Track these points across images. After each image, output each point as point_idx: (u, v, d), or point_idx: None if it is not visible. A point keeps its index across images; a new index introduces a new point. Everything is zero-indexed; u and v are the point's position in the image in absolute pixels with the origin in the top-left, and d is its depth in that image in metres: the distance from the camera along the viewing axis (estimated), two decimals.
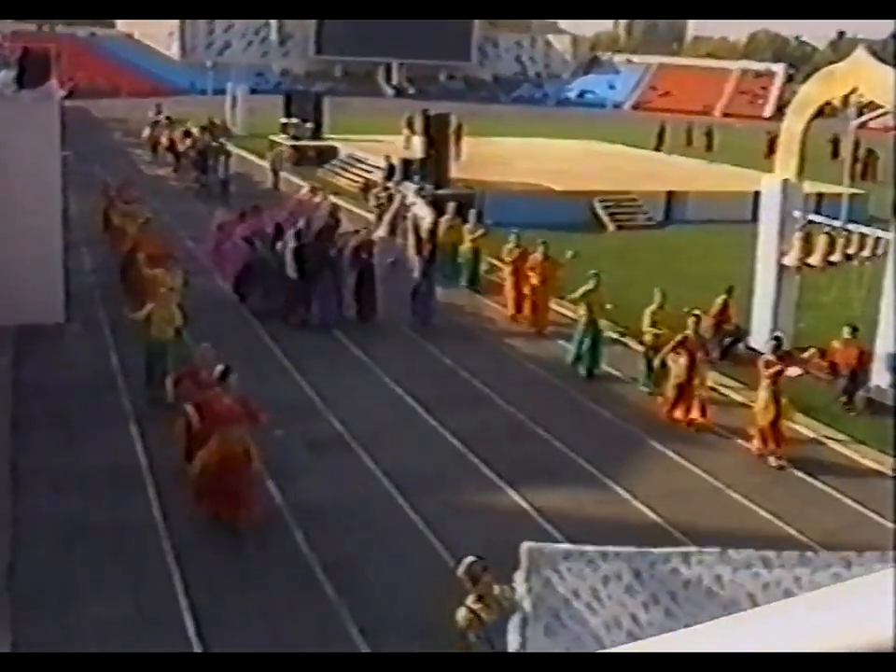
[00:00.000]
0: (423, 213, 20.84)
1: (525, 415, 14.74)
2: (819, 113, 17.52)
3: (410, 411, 14.90)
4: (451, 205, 23.71)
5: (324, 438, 13.51)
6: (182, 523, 11.04)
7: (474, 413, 14.79)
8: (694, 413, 14.75)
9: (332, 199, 24.94)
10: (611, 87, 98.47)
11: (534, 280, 19.28)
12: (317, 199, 23.55)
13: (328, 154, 40.48)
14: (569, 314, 19.00)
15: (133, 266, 18.52)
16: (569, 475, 12.83)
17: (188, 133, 38.03)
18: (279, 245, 19.18)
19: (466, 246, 22.60)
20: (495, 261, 21.93)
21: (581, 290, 17.02)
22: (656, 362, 15.53)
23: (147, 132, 42.45)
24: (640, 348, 16.54)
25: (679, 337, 14.86)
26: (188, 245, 24.20)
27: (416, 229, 20.08)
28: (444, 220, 22.59)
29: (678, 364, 14.86)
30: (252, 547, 9.99)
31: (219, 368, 11.30)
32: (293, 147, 40.90)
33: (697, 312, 15.39)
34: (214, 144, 35.51)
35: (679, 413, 14.82)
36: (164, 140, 40.19)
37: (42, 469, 12.25)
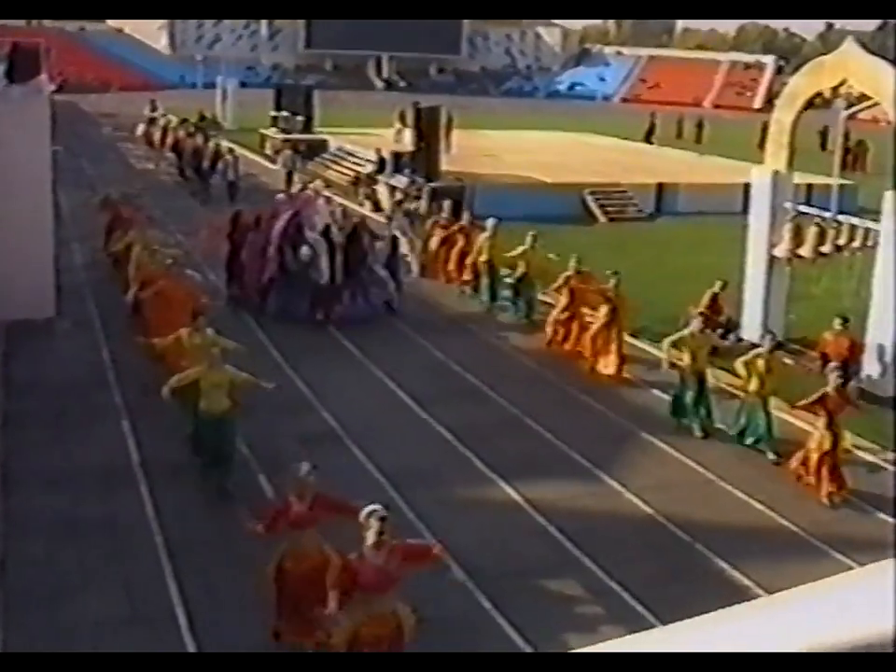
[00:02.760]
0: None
1: (518, 409, 14.70)
2: (809, 104, 17.50)
3: (402, 405, 14.85)
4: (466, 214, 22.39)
5: (316, 432, 13.47)
6: (175, 519, 10.99)
7: (467, 408, 14.74)
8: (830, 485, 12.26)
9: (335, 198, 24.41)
10: (601, 79, 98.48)
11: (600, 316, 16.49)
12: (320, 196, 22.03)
13: (318, 147, 40.41)
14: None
15: (151, 310, 15.56)
16: (563, 468, 12.80)
17: (190, 133, 36.76)
18: (303, 246, 18.84)
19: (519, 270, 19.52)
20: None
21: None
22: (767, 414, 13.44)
23: (141, 128, 41.90)
24: (738, 393, 14.14)
25: (817, 395, 12.50)
26: (179, 239, 24.10)
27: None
28: (484, 238, 20.32)
29: (816, 429, 12.54)
30: (245, 543, 9.90)
31: (305, 468, 8.96)
32: (283, 140, 40.82)
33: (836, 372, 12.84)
34: (213, 144, 34.05)
35: (818, 482, 12.34)
36: (158, 137, 39.61)
37: (33, 466, 12.18)
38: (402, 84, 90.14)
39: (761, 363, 13.29)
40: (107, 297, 19.01)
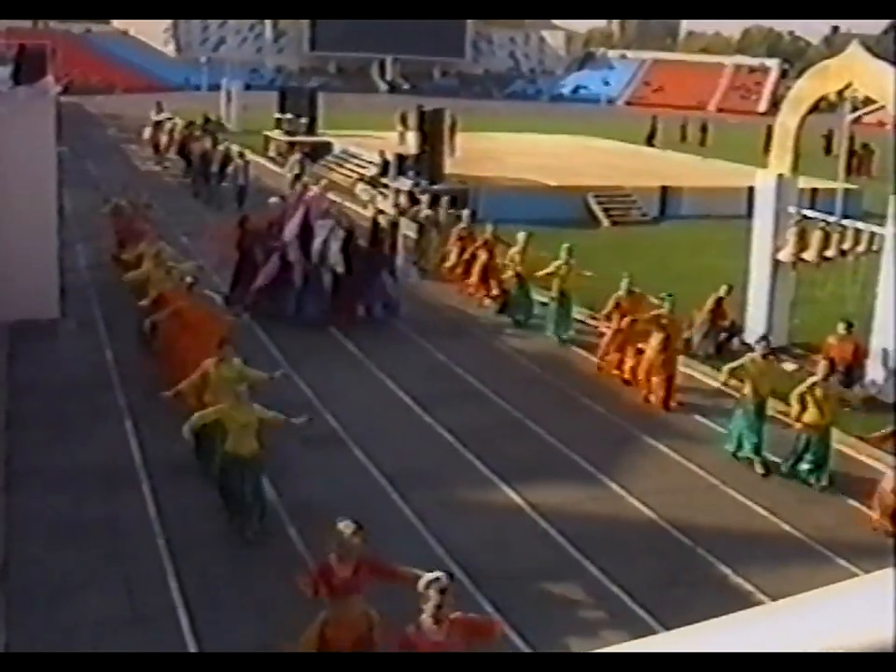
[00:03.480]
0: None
1: (520, 412, 14.69)
2: (814, 108, 17.48)
3: (404, 407, 14.85)
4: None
5: (318, 434, 13.43)
6: (177, 520, 10.98)
7: (469, 410, 14.73)
8: None
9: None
10: (605, 82, 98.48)
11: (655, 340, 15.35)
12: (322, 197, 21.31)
13: (322, 150, 40.42)
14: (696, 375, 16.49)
15: (168, 335, 14.50)
16: (565, 472, 12.78)
17: (198, 137, 36.17)
18: (315, 248, 18.76)
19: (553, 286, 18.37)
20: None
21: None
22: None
23: (147, 131, 41.34)
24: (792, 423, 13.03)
25: (890, 430, 12.01)
26: (182, 241, 24.11)
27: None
28: (514, 252, 19.38)
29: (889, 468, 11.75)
30: (246, 544, 9.93)
31: (349, 527, 7.86)
32: (288, 142, 40.83)
33: None
34: (224, 148, 33.51)
35: None
36: (165, 140, 39.22)
37: (36, 467, 12.17)
38: (406, 87, 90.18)
39: (818, 392, 12.49)
40: (111, 298, 19.01)
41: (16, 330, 17.04)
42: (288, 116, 42.96)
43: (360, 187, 31.91)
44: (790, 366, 14.77)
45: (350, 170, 36.57)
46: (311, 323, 18.24)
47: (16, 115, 17.33)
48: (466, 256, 21.23)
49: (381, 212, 21.77)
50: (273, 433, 11.00)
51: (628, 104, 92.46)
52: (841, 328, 15.35)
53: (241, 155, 31.68)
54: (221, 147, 33.60)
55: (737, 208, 28.19)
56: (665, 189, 33.14)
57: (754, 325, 17.69)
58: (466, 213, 22.53)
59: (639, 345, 15.72)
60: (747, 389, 13.19)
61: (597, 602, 9.85)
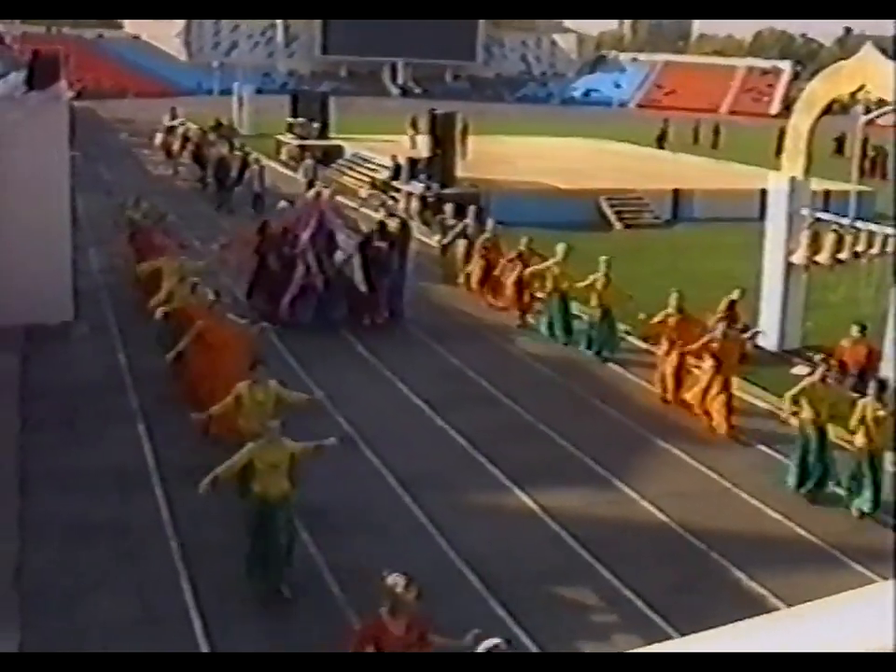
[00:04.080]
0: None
1: (533, 415, 14.68)
2: (827, 110, 17.44)
3: (416, 410, 14.87)
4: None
5: (330, 437, 13.44)
6: (190, 523, 11.00)
7: (481, 413, 14.73)
8: None
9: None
10: (617, 85, 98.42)
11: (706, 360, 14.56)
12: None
13: (334, 153, 40.48)
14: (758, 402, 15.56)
15: (195, 357, 13.71)
16: (577, 475, 12.77)
17: (213, 142, 35.92)
18: (338, 259, 18.81)
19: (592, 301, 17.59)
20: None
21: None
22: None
23: (160, 137, 41.10)
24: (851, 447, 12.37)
25: None
26: (195, 246, 24.15)
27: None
28: (552, 264, 18.32)
29: None
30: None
31: (401, 582, 7.42)
32: (299, 146, 40.88)
33: None
34: (240, 153, 33.27)
35: None
36: (178, 146, 38.99)
37: (49, 470, 12.22)
38: (418, 90, 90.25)
39: (869, 412, 11.84)
40: (124, 301, 19.06)
41: (29, 333, 17.11)
42: (300, 120, 43.06)
43: (366, 191, 31.78)
44: (802, 369, 14.71)
45: (361, 174, 36.61)
46: (333, 328, 18.30)
47: (29, 120, 17.43)
48: (497, 271, 20.24)
49: (391, 215, 21.65)
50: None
51: (640, 106, 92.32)
52: (854, 331, 15.26)
53: (257, 161, 31.47)
54: (238, 153, 33.42)
55: (750, 211, 28.13)
56: (677, 192, 33.11)
57: (767, 328, 17.64)
58: (491, 222, 21.45)
59: (693, 369, 15.15)
60: (805, 414, 12.50)
61: (610, 607, 9.83)
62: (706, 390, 14.39)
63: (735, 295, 17.47)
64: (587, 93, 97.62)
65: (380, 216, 25.53)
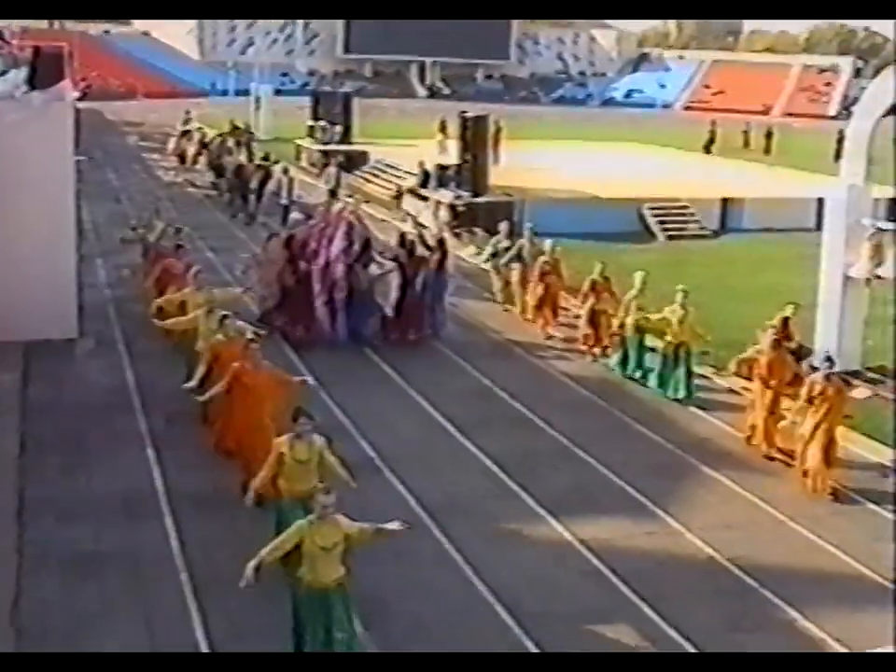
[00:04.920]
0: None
1: (569, 438, 14.68)
2: (891, 111, 17.37)
3: (444, 432, 14.90)
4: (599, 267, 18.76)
5: (352, 461, 13.45)
6: (201, 554, 11.04)
7: (513, 436, 14.73)
8: None
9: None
10: (661, 85, 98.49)
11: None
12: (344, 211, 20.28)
13: (357, 159, 40.66)
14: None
15: (228, 404, 12.83)
16: (617, 504, 12.74)
17: (231, 149, 35.31)
18: (372, 267, 18.95)
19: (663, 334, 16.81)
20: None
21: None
22: None
23: (173, 142, 41.16)
24: None
25: None
26: (208, 256, 24.33)
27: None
28: (630, 296, 17.53)
29: None
30: (274, 580, 9.93)
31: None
32: (321, 151, 41.07)
33: None
34: (264, 162, 32.81)
35: None
36: (193, 152, 38.86)
37: (51, 495, 12.28)
38: (447, 91, 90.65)
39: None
40: (133, 316, 19.19)
41: (31, 350, 17.24)
42: (322, 123, 43.27)
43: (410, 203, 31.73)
44: (863, 392, 14.65)
45: (387, 181, 36.76)
46: (359, 345, 18.46)
47: (31, 122, 17.54)
48: (560, 299, 20.04)
49: (423, 226, 21.70)
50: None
51: (686, 108, 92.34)
52: None
53: (285, 171, 30.88)
54: (260, 161, 33.07)
55: (805, 220, 28.13)
56: (725, 201, 33.08)
57: (823, 347, 17.56)
58: (549, 242, 20.35)
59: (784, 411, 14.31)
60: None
61: (651, 646, 9.78)
62: (806, 441, 13.35)
63: (788, 311, 17.39)
64: (629, 94, 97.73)
65: (409, 227, 25.61)
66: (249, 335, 13.12)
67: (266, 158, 33.83)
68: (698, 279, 23.16)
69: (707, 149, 51.94)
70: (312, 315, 18.75)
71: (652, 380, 17.04)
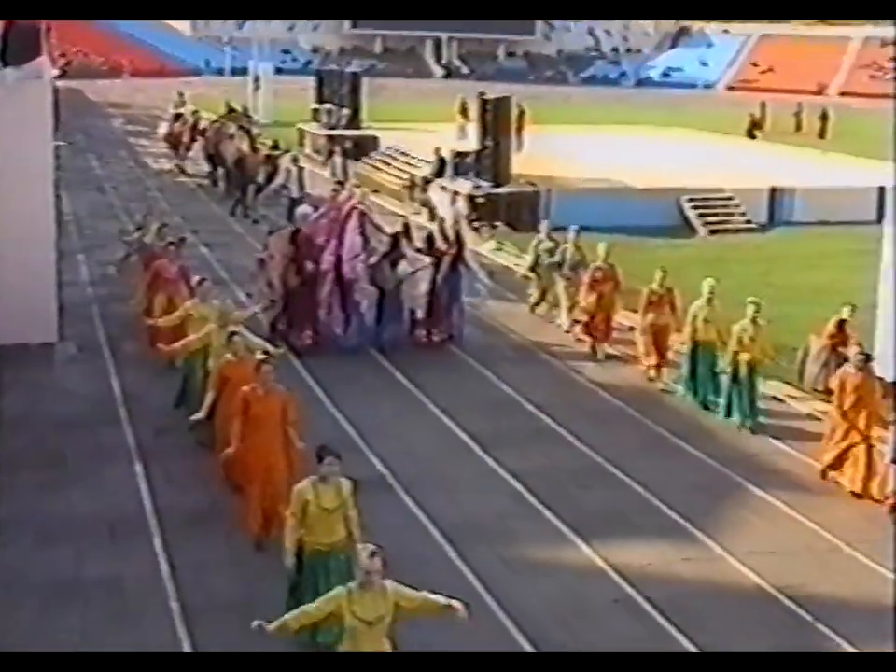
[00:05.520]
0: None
1: (601, 455, 14.69)
2: None
3: (462, 447, 14.92)
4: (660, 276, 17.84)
5: (362, 479, 13.46)
6: (193, 580, 11.08)
7: (539, 451, 14.77)
8: None
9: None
10: (703, 63, 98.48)
11: None
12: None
13: (367, 146, 40.75)
14: None
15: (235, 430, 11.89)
16: (653, 526, 12.74)
17: (232, 135, 33.55)
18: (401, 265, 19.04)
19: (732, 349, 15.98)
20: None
21: None
22: None
23: (164, 127, 40.85)
24: None
25: None
26: (202, 252, 24.42)
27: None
28: (697, 308, 16.68)
29: None
30: (273, 608, 9.95)
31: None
32: (327, 137, 41.12)
33: None
34: (273, 152, 32.03)
35: None
36: (187, 138, 38.38)
37: (27, 516, 12.34)
38: (465, 70, 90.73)
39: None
40: (119, 318, 19.27)
41: (6, 356, 17.31)
42: (327, 106, 43.39)
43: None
44: None
45: (399, 170, 36.82)
46: (391, 349, 18.61)
47: (4, 102, 17.55)
48: (616, 314, 19.21)
49: (442, 220, 21.71)
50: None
51: (731, 88, 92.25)
52: None
53: (295, 160, 30.48)
54: (267, 150, 32.29)
55: (864, 212, 28.09)
56: (774, 191, 33.03)
57: (884, 353, 17.51)
58: (603, 245, 19.30)
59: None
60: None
61: None
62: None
63: (844, 313, 17.37)
64: (667, 73, 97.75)
65: (423, 220, 25.60)
66: (260, 354, 12.45)
67: (276, 146, 33.01)
68: (742, 277, 23.19)
69: (751, 134, 51.79)
70: (319, 319, 18.72)
71: (721, 405, 16.35)
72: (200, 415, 12.98)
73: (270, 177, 30.89)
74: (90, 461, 13.91)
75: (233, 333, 13.16)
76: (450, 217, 21.05)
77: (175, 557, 11.52)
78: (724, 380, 16.41)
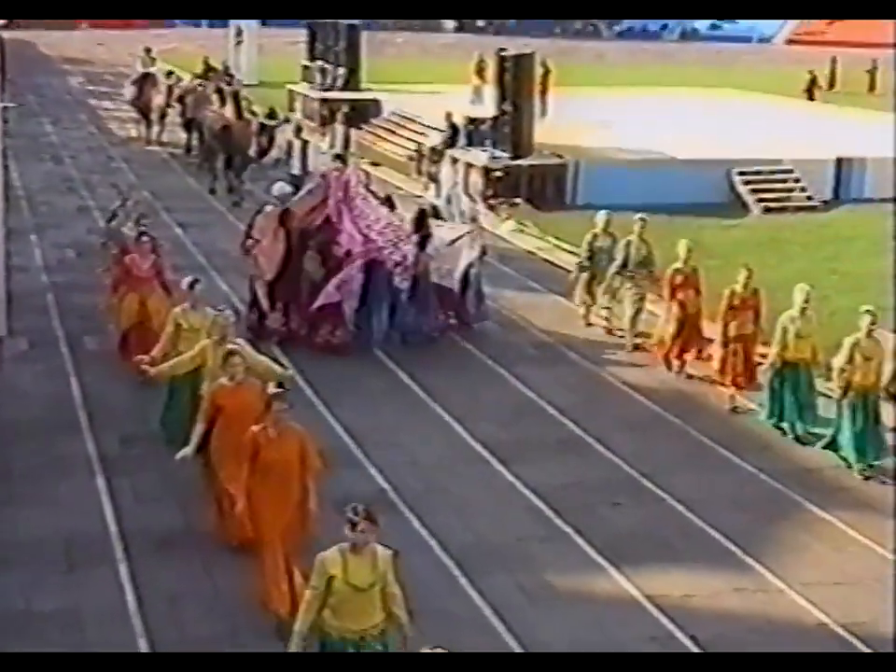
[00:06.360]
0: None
1: (635, 467, 14.72)
2: None
3: (476, 459, 14.94)
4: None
5: (361, 496, 13.47)
6: (164, 612, 11.09)
7: (563, 464, 14.79)
8: None
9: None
10: None
11: None
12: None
13: (367, 111, 40.68)
14: None
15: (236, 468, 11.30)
16: (695, 551, 12.74)
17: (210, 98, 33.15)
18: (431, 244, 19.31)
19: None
20: None
21: None
22: None
23: (131, 90, 40.12)
24: None
25: None
26: (176, 233, 24.45)
27: None
28: (789, 318, 15.67)
29: None
30: (260, 642, 10.00)
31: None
32: (321, 100, 41.08)
33: None
34: (269, 120, 30.94)
35: None
36: (160, 103, 37.68)
37: None
38: (481, 23, 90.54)
39: None
40: (79, 309, 19.28)
41: None
42: (320, 64, 43.28)
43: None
44: None
45: (405, 139, 36.81)
46: (413, 341, 18.86)
47: None
48: (702, 327, 18.07)
49: (448, 197, 21.79)
50: None
51: (791, 42, 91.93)
52: None
53: (298, 131, 30.24)
54: (263, 118, 31.01)
55: None
56: (841, 163, 32.92)
57: None
58: (683, 243, 18.11)
59: None
60: None
61: None
62: None
63: None
64: (716, 25, 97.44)
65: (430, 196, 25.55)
66: (272, 388, 11.25)
67: (272, 114, 31.92)
68: (801, 263, 23.18)
69: (810, 94, 51.43)
70: (339, 313, 18.62)
71: (845, 439, 15.22)
72: (188, 451, 12.02)
73: (263, 151, 30.25)
74: (43, 474, 13.91)
75: (232, 352, 12.23)
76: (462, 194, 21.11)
77: (144, 588, 11.51)
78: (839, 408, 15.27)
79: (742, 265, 17.07)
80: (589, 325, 20.28)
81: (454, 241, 19.39)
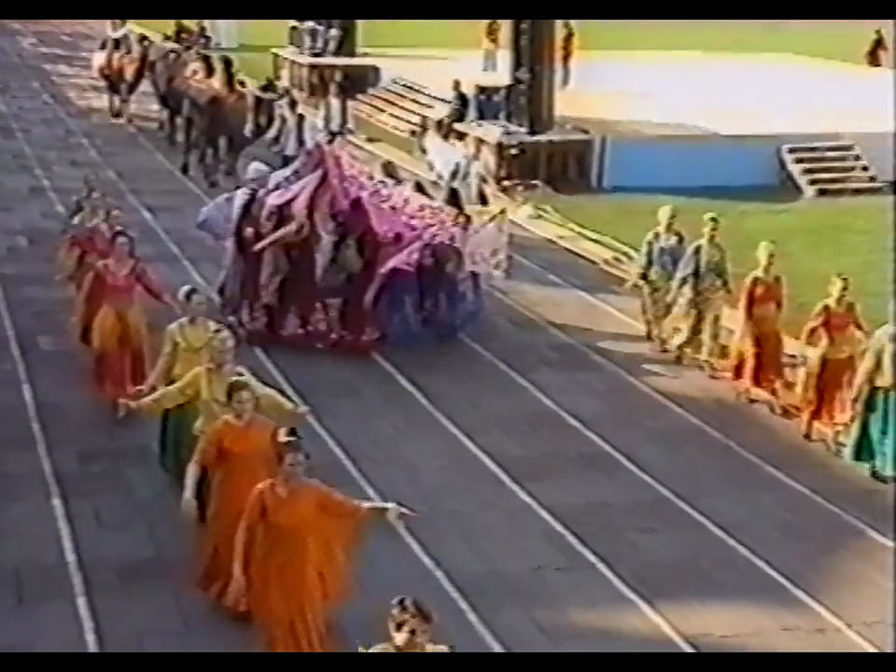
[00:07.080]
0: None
1: (668, 487, 14.74)
2: None
3: (487, 478, 14.96)
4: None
5: None
6: (128, 651, 11.07)
7: (587, 483, 14.82)
8: None
9: None
10: None
11: None
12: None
13: (363, 78, 40.69)
14: None
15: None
16: (739, 584, 12.74)
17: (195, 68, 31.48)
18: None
19: None
20: None
21: None
22: None
23: (100, 57, 39.37)
24: None
25: None
26: (144, 218, 24.47)
27: None
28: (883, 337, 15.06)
29: None
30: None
31: None
32: (310, 66, 41.09)
33: None
34: (272, 94, 29.84)
35: None
36: (132, 72, 36.86)
37: None
38: None
39: None
40: (32, 305, 19.30)
41: None
42: (310, 25, 43.27)
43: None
44: None
45: (407, 110, 36.84)
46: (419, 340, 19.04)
47: None
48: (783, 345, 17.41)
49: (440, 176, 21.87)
50: None
51: None
52: None
53: (292, 105, 29.49)
54: (257, 90, 29.96)
55: None
56: None
57: None
58: (764, 246, 17.38)
59: None
60: None
61: None
62: None
63: None
64: None
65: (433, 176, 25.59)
66: (283, 435, 10.58)
67: (269, 86, 30.86)
68: (862, 255, 23.08)
69: (874, 58, 51.27)
70: (361, 311, 18.73)
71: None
72: (186, 496, 11.40)
73: (260, 130, 29.21)
74: None
75: (239, 385, 11.61)
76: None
77: (106, 625, 11.51)
78: None
79: (839, 276, 16.16)
80: (660, 346, 19.56)
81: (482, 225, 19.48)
